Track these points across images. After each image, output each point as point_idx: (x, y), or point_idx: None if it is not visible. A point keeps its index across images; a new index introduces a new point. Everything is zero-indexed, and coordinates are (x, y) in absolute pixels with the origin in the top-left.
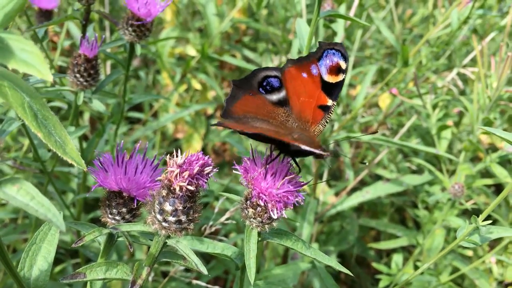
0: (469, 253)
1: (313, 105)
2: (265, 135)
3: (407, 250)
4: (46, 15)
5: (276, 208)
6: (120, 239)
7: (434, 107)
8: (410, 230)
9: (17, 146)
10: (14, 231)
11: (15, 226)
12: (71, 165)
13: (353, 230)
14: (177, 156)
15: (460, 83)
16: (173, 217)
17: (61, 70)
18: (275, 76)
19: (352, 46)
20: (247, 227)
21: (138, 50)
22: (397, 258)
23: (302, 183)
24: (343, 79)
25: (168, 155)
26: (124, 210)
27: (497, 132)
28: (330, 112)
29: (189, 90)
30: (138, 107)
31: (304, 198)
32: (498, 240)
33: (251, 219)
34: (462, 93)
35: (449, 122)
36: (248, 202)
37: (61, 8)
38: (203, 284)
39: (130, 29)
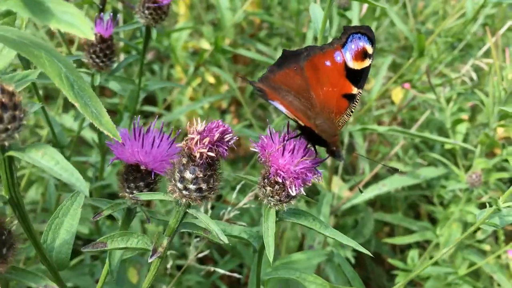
0: (487, 247)
1: (337, 94)
2: (291, 112)
3: (422, 247)
4: None
5: (295, 185)
6: (138, 214)
7: (448, 100)
8: (425, 224)
9: (35, 139)
10: (34, 220)
11: (34, 215)
12: (87, 155)
13: (369, 224)
14: (197, 124)
15: (474, 75)
16: (193, 185)
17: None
18: None
19: None
20: (265, 206)
21: (154, 33)
22: (413, 254)
23: (320, 160)
24: (369, 65)
25: (189, 123)
26: (141, 184)
27: None
28: (356, 101)
29: (202, 85)
30: (152, 101)
31: (322, 175)
32: None
33: (269, 198)
34: (475, 86)
35: (464, 116)
36: (266, 180)
37: None
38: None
39: (146, 12)
